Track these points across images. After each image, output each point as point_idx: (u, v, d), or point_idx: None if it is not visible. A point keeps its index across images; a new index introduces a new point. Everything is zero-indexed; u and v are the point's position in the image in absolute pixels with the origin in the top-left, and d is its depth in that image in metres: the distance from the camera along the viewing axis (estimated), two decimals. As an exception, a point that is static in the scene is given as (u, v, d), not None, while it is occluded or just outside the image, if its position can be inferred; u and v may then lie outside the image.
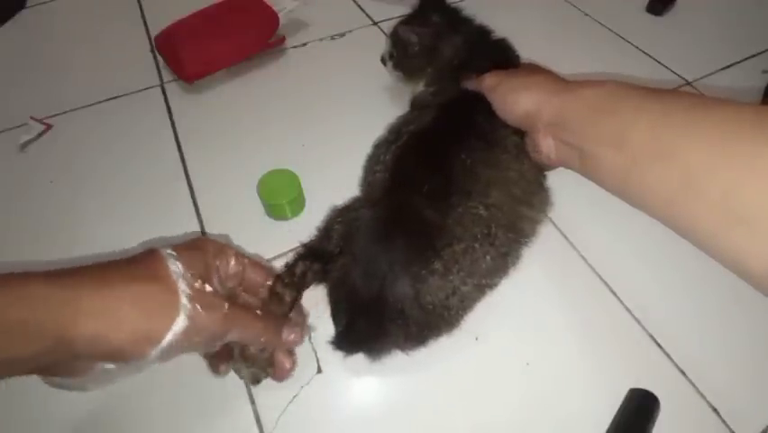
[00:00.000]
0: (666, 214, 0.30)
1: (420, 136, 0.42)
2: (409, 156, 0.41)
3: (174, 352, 0.28)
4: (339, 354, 0.41)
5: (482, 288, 0.39)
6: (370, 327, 0.37)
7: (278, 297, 0.37)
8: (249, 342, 0.34)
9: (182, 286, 0.28)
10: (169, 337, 0.27)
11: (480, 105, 0.42)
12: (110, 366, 0.27)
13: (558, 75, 0.42)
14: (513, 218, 0.40)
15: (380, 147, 0.45)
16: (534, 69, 0.45)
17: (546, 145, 0.39)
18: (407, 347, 0.39)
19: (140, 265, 0.29)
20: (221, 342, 0.31)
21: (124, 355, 0.27)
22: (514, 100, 0.40)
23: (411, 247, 0.36)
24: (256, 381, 0.37)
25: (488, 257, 0.37)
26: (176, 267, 0.29)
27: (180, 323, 0.28)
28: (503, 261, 0.40)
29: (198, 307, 0.28)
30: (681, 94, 0.32)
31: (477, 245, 0.37)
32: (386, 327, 0.37)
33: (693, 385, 0.40)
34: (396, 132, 0.45)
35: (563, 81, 0.39)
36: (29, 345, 0.24)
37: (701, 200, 0.27)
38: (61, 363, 0.26)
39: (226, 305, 0.30)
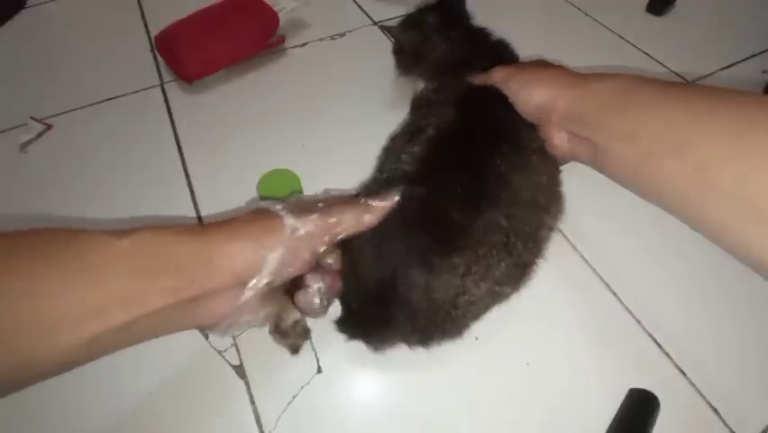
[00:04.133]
0: (680, 207, 0.30)
1: (449, 133, 0.41)
2: (442, 153, 0.40)
3: (294, 252, 0.34)
4: (339, 354, 0.41)
5: (494, 294, 0.38)
6: (379, 312, 0.36)
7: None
8: (353, 226, 0.37)
9: (281, 209, 0.35)
10: (280, 244, 0.33)
11: (501, 102, 0.42)
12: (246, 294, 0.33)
13: (569, 69, 0.41)
14: (535, 229, 0.39)
15: (399, 138, 0.44)
16: (545, 64, 0.45)
17: (559, 139, 0.39)
18: (413, 341, 0.38)
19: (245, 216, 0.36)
20: (329, 237, 0.36)
21: (257, 265, 0.33)
22: (527, 94, 0.40)
23: (432, 241, 0.36)
24: (295, 351, 0.40)
25: (503, 264, 0.37)
26: (276, 208, 0.36)
27: (288, 228, 0.34)
28: (520, 271, 0.39)
29: (298, 213, 0.35)
30: (695, 86, 0.32)
31: (494, 252, 0.36)
32: (394, 315, 0.36)
33: (693, 385, 0.40)
34: (415, 126, 0.43)
35: (576, 74, 0.39)
36: (184, 277, 0.30)
37: (715, 192, 0.27)
38: (206, 295, 0.31)
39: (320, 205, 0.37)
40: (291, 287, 0.38)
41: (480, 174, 0.38)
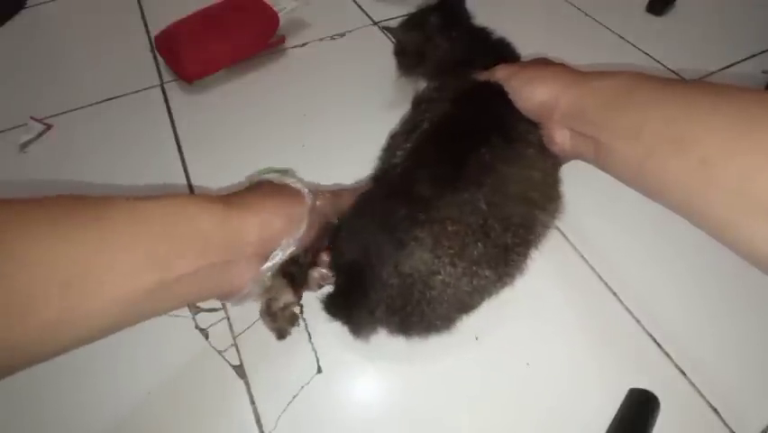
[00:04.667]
0: (683, 204, 0.30)
1: (440, 125, 0.41)
2: (429, 142, 0.40)
3: (313, 222, 0.37)
4: (339, 354, 0.41)
5: (473, 276, 0.36)
6: (354, 288, 0.37)
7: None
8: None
9: (296, 181, 0.38)
10: (306, 216, 0.36)
11: (499, 98, 0.42)
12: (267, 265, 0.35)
13: (571, 67, 0.41)
14: (522, 217, 0.39)
15: (398, 137, 0.44)
16: (548, 62, 0.45)
17: (562, 136, 0.39)
18: (393, 325, 0.37)
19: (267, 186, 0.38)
20: (337, 209, 0.40)
21: (280, 236, 0.35)
22: (529, 91, 0.40)
23: (395, 212, 0.36)
24: (281, 336, 0.40)
25: (479, 244, 0.36)
26: (290, 180, 0.38)
27: (309, 201, 0.37)
28: (500, 252, 0.37)
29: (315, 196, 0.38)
30: (698, 83, 0.32)
31: (469, 231, 0.36)
32: (367, 291, 0.36)
33: (693, 385, 0.40)
34: (412, 123, 0.44)
35: (579, 72, 0.39)
36: (218, 244, 0.31)
37: (718, 189, 0.27)
38: (232, 262, 0.33)
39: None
40: (286, 267, 0.39)
41: (460, 158, 0.37)
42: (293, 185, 0.37)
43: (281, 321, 0.40)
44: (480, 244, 0.36)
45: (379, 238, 0.36)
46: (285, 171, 0.42)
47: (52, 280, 0.24)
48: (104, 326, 0.27)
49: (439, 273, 0.35)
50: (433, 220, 0.35)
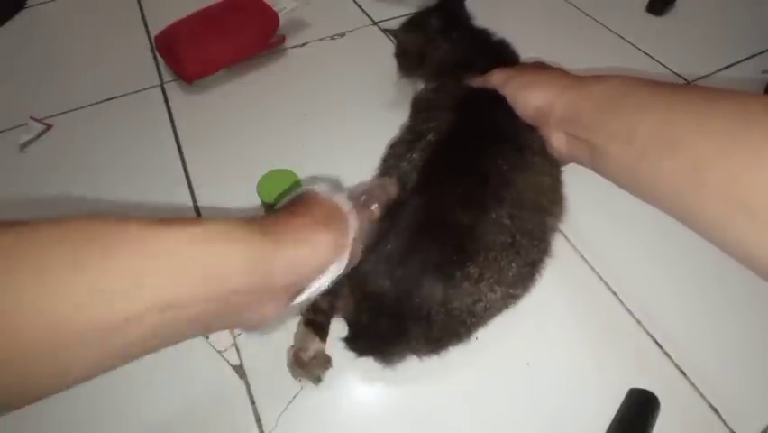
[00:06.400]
0: (674, 205, 0.30)
1: (449, 137, 0.41)
2: (442, 157, 0.39)
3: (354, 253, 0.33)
4: (339, 354, 0.41)
5: (508, 298, 0.38)
6: (392, 327, 0.36)
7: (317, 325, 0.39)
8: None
9: (349, 210, 0.33)
10: (347, 249, 0.32)
11: (500, 105, 0.42)
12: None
13: (567, 71, 0.42)
14: (539, 228, 0.39)
15: (399, 146, 0.44)
16: (544, 66, 0.45)
17: (558, 141, 0.39)
18: (425, 352, 0.38)
19: (313, 209, 0.32)
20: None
21: (316, 272, 0.31)
22: (525, 96, 0.40)
23: (444, 250, 0.35)
24: (317, 380, 0.39)
25: (513, 265, 0.37)
26: (346, 207, 0.33)
27: (352, 232, 0.32)
28: (529, 270, 0.39)
29: (358, 216, 0.34)
30: (691, 87, 0.32)
31: (503, 253, 0.36)
32: (407, 329, 0.36)
33: (693, 385, 0.40)
34: (415, 131, 0.43)
35: (574, 77, 0.39)
36: (243, 279, 0.27)
37: (708, 189, 0.27)
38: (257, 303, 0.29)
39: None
40: (310, 316, 0.38)
41: (481, 174, 0.38)
42: (343, 207, 0.33)
43: (315, 369, 0.39)
44: (513, 264, 0.37)
45: (424, 276, 0.35)
46: (334, 185, 0.38)
47: (45, 325, 0.22)
48: (101, 366, 0.24)
49: (481, 301, 0.36)
50: (477, 251, 0.35)
